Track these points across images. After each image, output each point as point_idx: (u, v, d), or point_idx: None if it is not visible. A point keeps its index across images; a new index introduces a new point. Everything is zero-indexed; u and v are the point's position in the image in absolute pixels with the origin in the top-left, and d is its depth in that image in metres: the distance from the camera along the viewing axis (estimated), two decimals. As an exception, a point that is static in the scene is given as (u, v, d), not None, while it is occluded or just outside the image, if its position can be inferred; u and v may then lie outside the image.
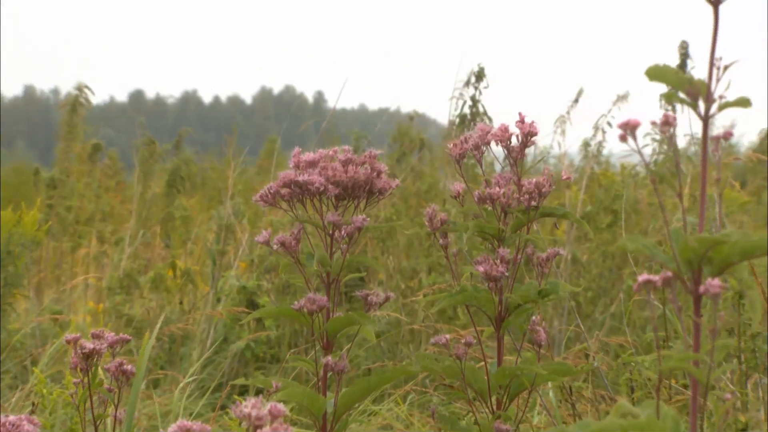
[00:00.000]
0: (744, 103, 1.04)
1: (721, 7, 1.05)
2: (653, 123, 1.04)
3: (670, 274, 1.02)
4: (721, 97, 1.05)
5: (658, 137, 5.72)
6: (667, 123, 1.02)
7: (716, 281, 0.99)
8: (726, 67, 1.03)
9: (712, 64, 1.03)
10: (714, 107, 1.05)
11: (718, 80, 1.04)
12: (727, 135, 1.05)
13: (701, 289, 1.01)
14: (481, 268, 1.65)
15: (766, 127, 10.31)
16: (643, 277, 1.02)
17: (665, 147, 6.17)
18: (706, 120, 1.04)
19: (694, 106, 1.04)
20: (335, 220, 1.66)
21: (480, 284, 1.71)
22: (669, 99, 1.04)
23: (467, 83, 5.58)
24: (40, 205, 6.81)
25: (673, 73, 1.03)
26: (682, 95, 1.04)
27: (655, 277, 1.01)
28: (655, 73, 1.05)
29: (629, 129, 1.02)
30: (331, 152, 1.69)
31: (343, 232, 1.66)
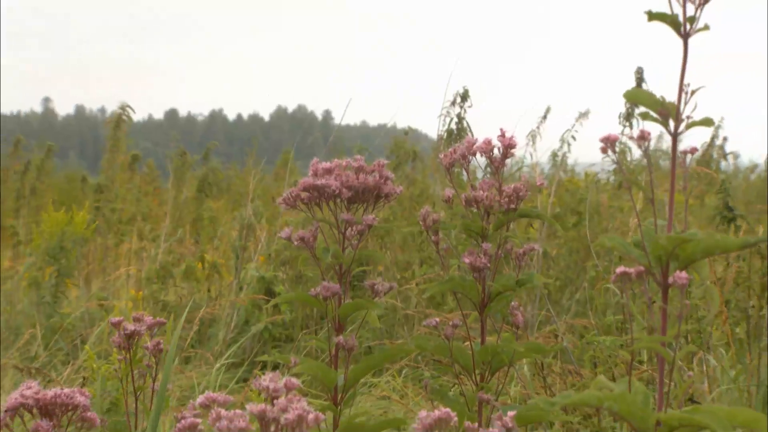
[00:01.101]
0: (708, 122, 1.03)
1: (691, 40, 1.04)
2: (630, 137, 1.03)
3: (642, 268, 1.01)
4: (688, 117, 1.04)
5: (617, 149, 5.70)
6: (643, 137, 1.01)
7: (684, 274, 0.98)
8: (693, 92, 1.02)
9: (681, 89, 1.03)
10: (682, 126, 1.04)
11: (686, 103, 1.03)
12: (693, 150, 1.04)
13: (669, 280, 1.00)
14: (467, 260, 1.64)
15: (708, 141, 10.35)
16: (620, 269, 1.01)
17: (626, 158, 6.13)
18: (675, 136, 1.03)
19: (665, 125, 1.04)
20: (349, 219, 1.65)
21: (466, 275, 1.69)
22: (644, 117, 1.03)
23: (453, 103, 5.54)
24: (88, 207, 6.79)
25: (648, 96, 1.02)
26: (654, 114, 1.03)
27: (631, 270, 1.00)
28: (633, 96, 1.05)
29: (609, 142, 1.02)
30: (344, 162, 1.68)
31: (354, 230, 1.65)
